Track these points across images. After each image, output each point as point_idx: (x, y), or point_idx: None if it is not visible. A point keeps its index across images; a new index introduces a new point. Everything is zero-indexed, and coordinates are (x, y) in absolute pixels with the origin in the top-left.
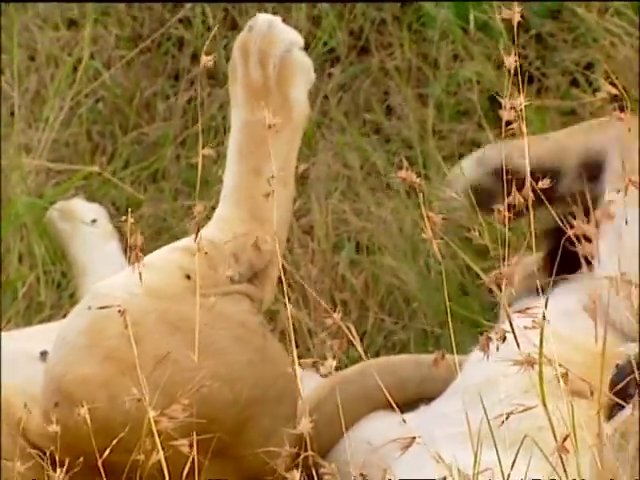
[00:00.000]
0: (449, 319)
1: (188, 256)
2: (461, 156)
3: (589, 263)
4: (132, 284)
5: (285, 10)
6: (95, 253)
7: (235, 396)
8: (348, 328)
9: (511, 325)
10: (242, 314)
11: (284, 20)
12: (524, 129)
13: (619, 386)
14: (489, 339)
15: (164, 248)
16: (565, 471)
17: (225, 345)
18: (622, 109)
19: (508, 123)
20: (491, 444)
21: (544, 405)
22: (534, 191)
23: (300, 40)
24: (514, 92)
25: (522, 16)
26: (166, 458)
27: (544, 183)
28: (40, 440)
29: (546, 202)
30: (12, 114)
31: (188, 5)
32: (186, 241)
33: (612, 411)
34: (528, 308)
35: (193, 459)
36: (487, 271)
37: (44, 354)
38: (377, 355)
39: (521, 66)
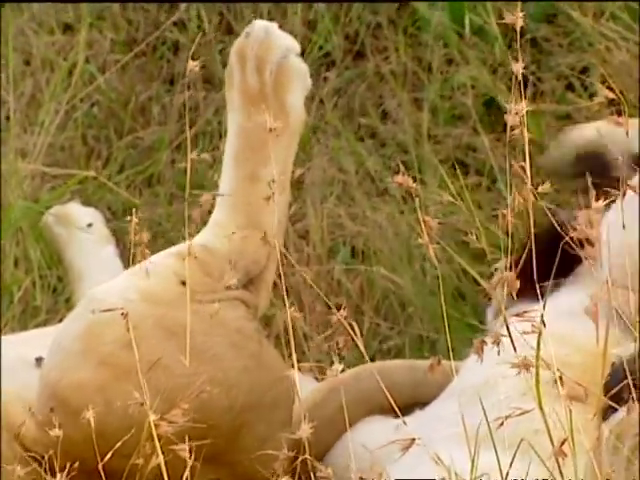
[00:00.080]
0: (445, 324)
1: (182, 261)
2: (456, 160)
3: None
4: (128, 289)
5: (281, 14)
6: (91, 257)
7: (230, 402)
8: (351, 326)
9: (508, 329)
10: (238, 320)
11: (280, 25)
12: (525, 133)
13: (614, 390)
14: (483, 343)
15: (160, 254)
16: (562, 475)
17: (221, 351)
18: (620, 113)
19: (511, 128)
20: (489, 446)
21: (540, 409)
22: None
23: (297, 46)
24: (516, 97)
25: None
26: (165, 463)
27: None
28: (35, 446)
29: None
30: (7, 118)
31: (183, 7)
32: (181, 247)
33: (606, 414)
34: (526, 312)
35: (188, 466)
36: (483, 275)
37: (39, 360)
38: (372, 360)
39: (524, 74)
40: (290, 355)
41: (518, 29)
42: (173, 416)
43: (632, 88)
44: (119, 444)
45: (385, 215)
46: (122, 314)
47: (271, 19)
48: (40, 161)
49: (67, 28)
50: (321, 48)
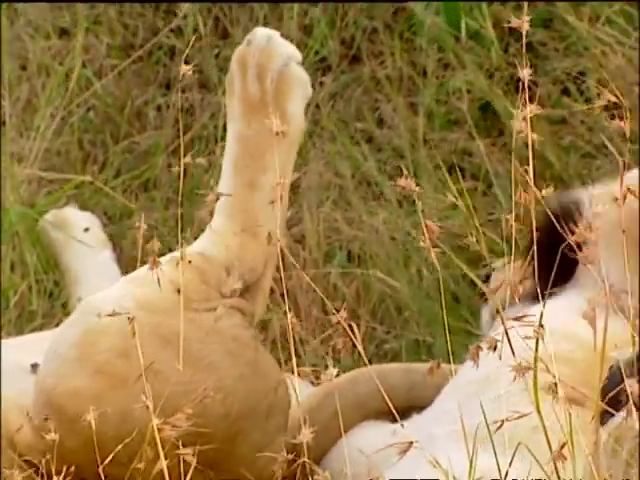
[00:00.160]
0: (446, 326)
1: (178, 270)
2: (452, 165)
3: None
4: (124, 298)
5: (277, 19)
6: (88, 262)
7: (226, 410)
8: (350, 327)
9: (507, 333)
10: (234, 328)
11: (275, 29)
12: (530, 138)
13: (611, 393)
14: (479, 348)
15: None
16: (558, 477)
17: (217, 360)
18: (621, 117)
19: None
20: (487, 446)
21: (538, 412)
22: None
23: (298, 55)
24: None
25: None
26: (160, 470)
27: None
28: (31, 452)
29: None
30: (3, 123)
31: (181, 11)
32: (177, 254)
33: (604, 417)
34: (525, 315)
35: (186, 472)
36: (480, 279)
37: (35, 366)
38: (370, 364)
39: (520, 78)
40: (287, 360)
41: (524, 33)
42: (177, 420)
43: (628, 92)
44: (116, 451)
45: (381, 219)
46: (128, 318)
47: (267, 24)
48: (36, 166)
49: (63, 33)
50: (317, 53)
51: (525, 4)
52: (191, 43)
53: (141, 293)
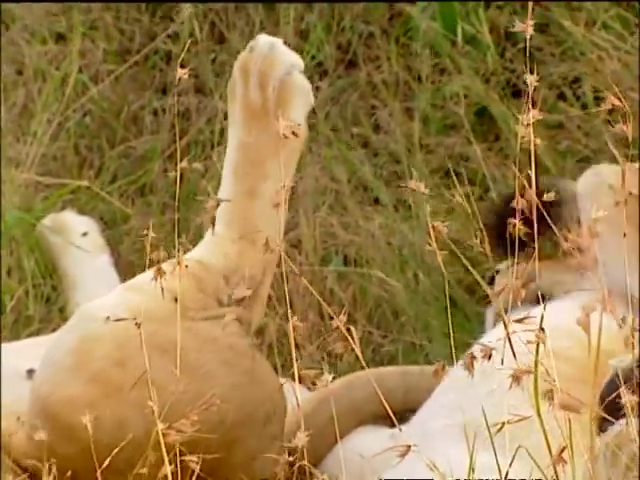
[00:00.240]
0: (450, 329)
1: (176, 278)
2: (448, 170)
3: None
4: (121, 305)
5: (273, 24)
6: (85, 266)
7: (221, 418)
8: (349, 331)
9: (508, 335)
10: (231, 337)
11: (271, 34)
12: (533, 142)
13: (609, 399)
14: (473, 358)
15: (154, 268)
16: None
17: (212, 369)
18: (623, 122)
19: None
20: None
21: (539, 416)
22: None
23: (300, 63)
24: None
25: (509, 29)
26: (163, 475)
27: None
28: (24, 458)
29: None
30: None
31: (179, 16)
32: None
33: (603, 425)
34: (528, 317)
35: (185, 478)
36: (475, 285)
37: (31, 372)
38: (366, 368)
39: (515, 84)
40: (283, 365)
41: (528, 36)
42: (182, 425)
43: (623, 97)
44: (111, 456)
45: (377, 224)
46: (136, 324)
47: (263, 28)
48: (33, 171)
49: (59, 38)
50: (313, 58)
51: (530, 7)
52: (186, 47)
53: (138, 301)
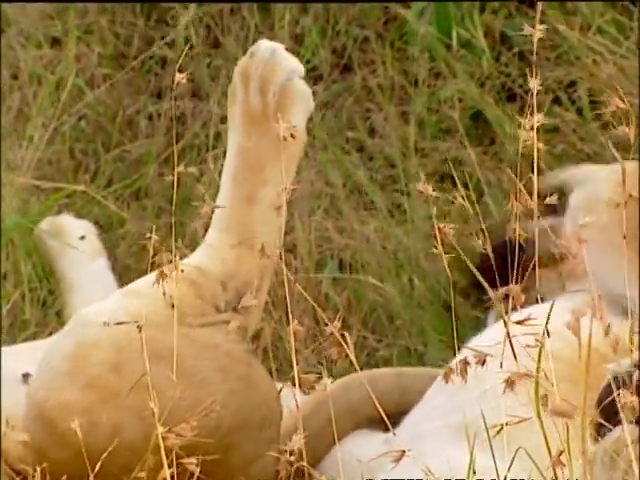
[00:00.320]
0: (454, 333)
1: (173, 283)
2: (443, 174)
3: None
4: (118, 311)
5: (268, 28)
6: (83, 270)
7: (217, 424)
8: (343, 337)
9: (509, 339)
10: (227, 344)
11: (266, 37)
12: (536, 147)
13: (605, 404)
14: (466, 364)
15: (151, 275)
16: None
17: (209, 375)
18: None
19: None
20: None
21: (539, 418)
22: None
23: (301, 69)
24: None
25: (504, 34)
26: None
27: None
28: (20, 463)
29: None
30: None
31: (175, 20)
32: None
33: (601, 430)
34: (528, 318)
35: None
36: (470, 289)
37: (26, 376)
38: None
39: (510, 88)
40: (278, 369)
41: (535, 40)
42: (181, 429)
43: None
44: (103, 457)
45: (372, 228)
46: (138, 327)
47: (258, 33)
48: (29, 175)
49: (55, 42)
50: (308, 62)
51: (538, 9)
52: (184, 52)
53: (136, 306)
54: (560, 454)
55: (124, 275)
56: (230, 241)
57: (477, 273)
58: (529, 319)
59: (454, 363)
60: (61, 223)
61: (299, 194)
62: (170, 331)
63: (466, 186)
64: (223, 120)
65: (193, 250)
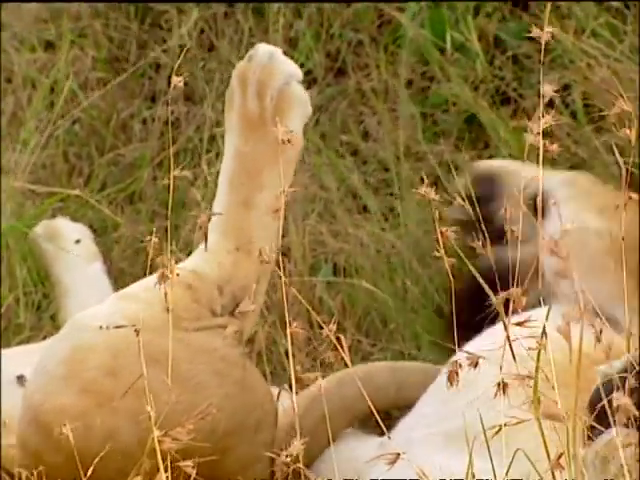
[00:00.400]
0: (455, 338)
1: (169, 287)
2: (437, 178)
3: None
4: (114, 315)
5: (262, 32)
6: (78, 274)
7: (213, 428)
8: (339, 340)
9: (509, 343)
10: (223, 348)
11: (260, 40)
12: (542, 149)
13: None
14: (458, 366)
15: (148, 279)
16: None
17: (204, 379)
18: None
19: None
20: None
21: (538, 420)
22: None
23: (299, 73)
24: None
25: (498, 37)
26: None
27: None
28: (14, 466)
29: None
30: None
31: (168, 21)
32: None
33: (593, 433)
34: (527, 320)
35: None
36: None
37: (21, 378)
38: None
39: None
40: (272, 372)
41: (543, 42)
42: (177, 433)
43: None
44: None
45: (366, 232)
46: (135, 331)
47: (252, 36)
48: (23, 179)
49: (49, 46)
50: (302, 65)
51: (547, 10)
52: (182, 56)
53: (132, 310)
54: (559, 457)
55: (118, 279)
56: (227, 245)
57: (478, 276)
58: (528, 321)
59: (450, 365)
60: (56, 227)
61: (293, 198)
62: (166, 335)
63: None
64: (217, 124)
65: (188, 254)
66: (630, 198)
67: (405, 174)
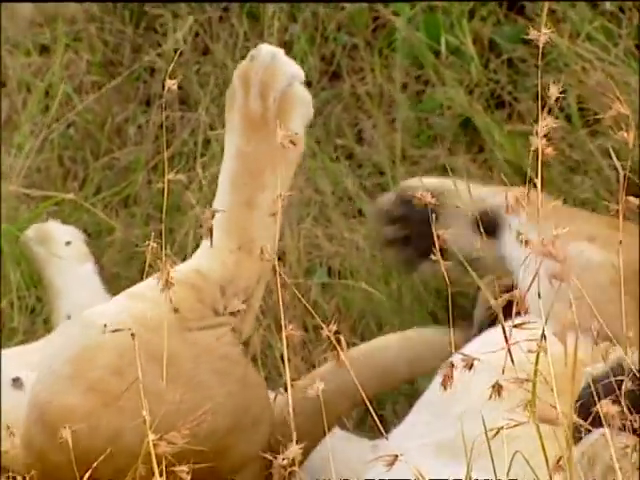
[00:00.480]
0: (452, 344)
1: (178, 288)
2: None
3: None
4: (122, 313)
5: (257, 35)
6: (70, 275)
7: (215, 427)
8: (338, 340)
9: (507, 341)
10: (224, 347)
11: (255, 45)
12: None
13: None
14: (453, 367)
15: (155, 278)
16: None
17: (206, 379)
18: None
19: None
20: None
21: (536, 424)
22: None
23: (301, 74)
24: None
25: (493, 41)
26: None
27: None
28: (16, 465)
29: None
30: None
31: (163, 25)
32: (178, 271)
33: (579, 433)
34: (524, 323)
35: None
36: (460, 295)
37: (16, 380)
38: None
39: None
40: (267, 377)
41: (541, 44)
42: (172, 437)
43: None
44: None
45: (362, 236)
46: (132, 335)
47: (247, 40)
48: (17, 183)
49: (43, 49)
50: None
51: (544, 13)
52: (175, 59)
53: (138, 309)
54: (558, 461)
55: (113, 283)
56: (229, 245)
57: (477, 278)
58: (527, 323)
59: (444, 367)
60: (47, 230)
61: (288, 201)
62: (172, 335)
63: None
64: (212, 127)
65: (183, 259)
66: (628, 201)
67: (400, 178)
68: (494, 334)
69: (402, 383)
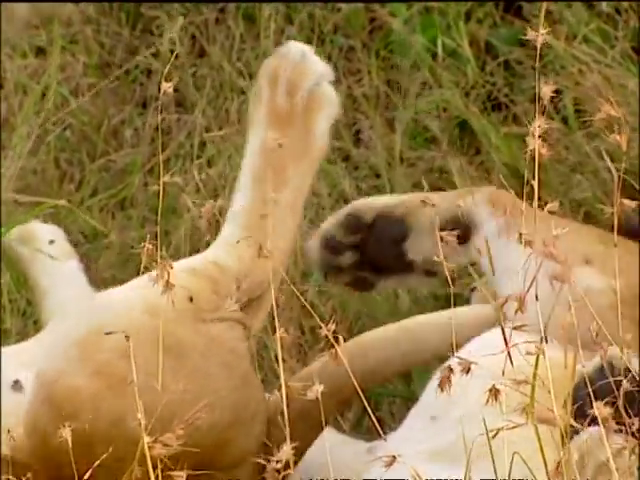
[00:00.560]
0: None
1: (193, 277)
2: (429, 184)
3: None
4: (133, 299)
5: (253, 38)
6: (55, 274)
7: (216, 420)
8: (336, 339)
9: (506, 343)
10: (233, 341)
11: (252, 47)
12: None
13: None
14: (450, 371)
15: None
16: None
17: (213, 371)
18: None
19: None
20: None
21: (534, 426)
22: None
23: (330, 73)
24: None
25: (489, 43)
26: None
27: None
28: (19, 453)
29: None
30: None
31: (159, 26)
32: (192, 262)
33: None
34: (524, 325)
35: None
36: (457, 297)
37: (17, 383)
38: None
39: (497, 97)
40: (263, 380)
41: (539, 45)
42: (167, 439)
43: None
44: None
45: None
46: (126, 337)
47: (244, 42)
48: (13, 185)
49: (40, 51)
50: None
51: (542, 14)
52: (171, 61)
53: (152, 296)
54: (558, 465)
55: (108, 285)
56: (248, 240)
57: (478, 278)
58: (525, 325)
59: (441, 371)
60: (30, 230)
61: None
62: (184, 324)
63: None
64: (208, 130)
65: (178, 260)
66: (623, 204)
67: (397, 180)
68: (492, 336)
69: (395, 376)
